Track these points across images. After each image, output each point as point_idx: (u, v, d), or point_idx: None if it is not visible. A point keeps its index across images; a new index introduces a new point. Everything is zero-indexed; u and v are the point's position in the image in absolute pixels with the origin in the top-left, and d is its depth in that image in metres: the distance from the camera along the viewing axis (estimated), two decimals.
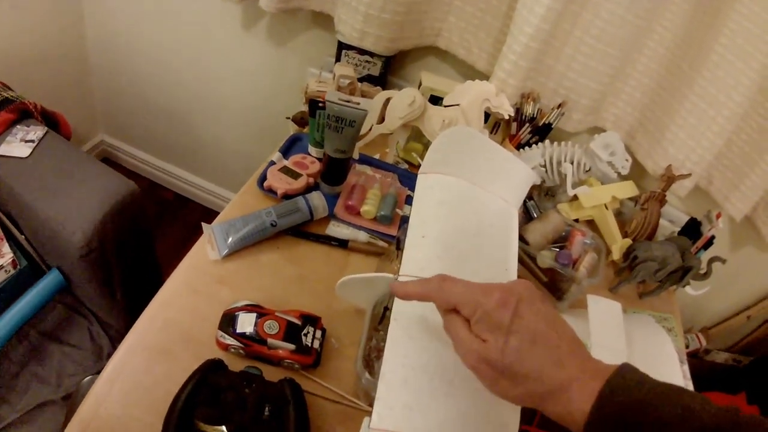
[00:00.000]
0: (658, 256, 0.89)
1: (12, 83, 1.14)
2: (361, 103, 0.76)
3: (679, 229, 1.01)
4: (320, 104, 0.81)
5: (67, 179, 0.99)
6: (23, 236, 1.04)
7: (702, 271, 0.91)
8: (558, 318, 0.39)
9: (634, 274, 0.90)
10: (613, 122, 1.02)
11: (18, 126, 1.05)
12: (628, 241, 0.95)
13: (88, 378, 0.98)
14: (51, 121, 1.13)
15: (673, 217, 1.07)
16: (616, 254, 0.95)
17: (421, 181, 0.69)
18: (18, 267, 1.03)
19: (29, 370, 1.01)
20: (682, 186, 0.98)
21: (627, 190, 0.98)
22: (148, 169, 1.81)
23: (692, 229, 0.99)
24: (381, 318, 0.67)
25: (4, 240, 1.04)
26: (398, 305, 0.55)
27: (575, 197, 0.94)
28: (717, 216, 0.94)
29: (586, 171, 0.91)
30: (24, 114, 1.08)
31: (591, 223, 0.98)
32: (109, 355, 1.06)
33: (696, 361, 1.25)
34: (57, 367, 1.02)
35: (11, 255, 1.02)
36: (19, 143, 1.02)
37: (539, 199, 0.94)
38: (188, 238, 1.71)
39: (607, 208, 0.95)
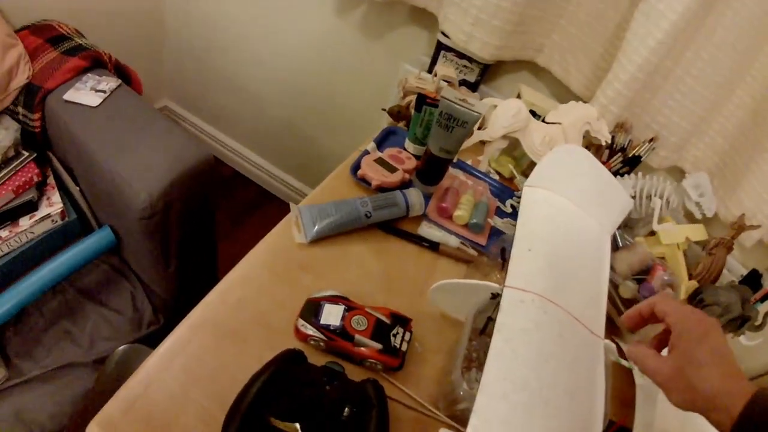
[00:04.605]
0: (723, 301, 0.89)
1: (85, 32, 1.10)
2: (476, 106, 0.74)
3: (736, 279, 1.01)
4: (428, 100, 0.80)
5: (138, 136, 0.94)
6: (78, 188, 0.99)
7: (757, 323, 0.92)
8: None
9: None
10: (692, 163, 1.02)
11: (89, 74, 1.01)
12: (695, 284, 0.95)
13: (123, 347, 0.93)
14: (122, 75, 1.08)
15: (730, 266, 1.08)
16: (682, 295, 0.95)
17: (528, 193, 0.69)
18: (66, 218, 0.99)
19: (60, 327, 0.96)
20: (749, 236, 0.99)
21: (699, 233, 0.98)
22: (210, 142, 1.74)
23: (753, 280, 0.99)
24: (483, 328, 0.65)
25: (56, 189, 0.99)
26: (503, 316, 0.54)
27: (651, 233, 0.93)
28: None
29: (672, 208, 0.91)
30: (96, 63, 1.03)
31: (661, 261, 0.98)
32: (150, 325, 1.01)
33: None
34: (91, 329, 0.97)
35: (61, 205, 0.97)
36: (89, 92, 0.97)
37: (623, 229, 0.94)
38: (241, 218, 1.66)
39: (678, 248, 0.95)
